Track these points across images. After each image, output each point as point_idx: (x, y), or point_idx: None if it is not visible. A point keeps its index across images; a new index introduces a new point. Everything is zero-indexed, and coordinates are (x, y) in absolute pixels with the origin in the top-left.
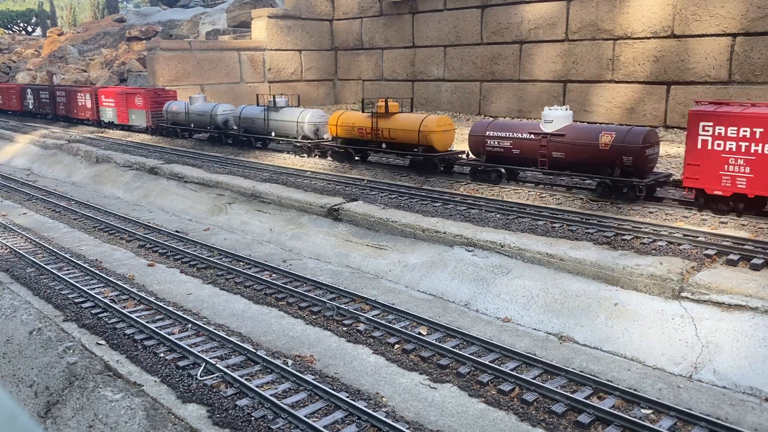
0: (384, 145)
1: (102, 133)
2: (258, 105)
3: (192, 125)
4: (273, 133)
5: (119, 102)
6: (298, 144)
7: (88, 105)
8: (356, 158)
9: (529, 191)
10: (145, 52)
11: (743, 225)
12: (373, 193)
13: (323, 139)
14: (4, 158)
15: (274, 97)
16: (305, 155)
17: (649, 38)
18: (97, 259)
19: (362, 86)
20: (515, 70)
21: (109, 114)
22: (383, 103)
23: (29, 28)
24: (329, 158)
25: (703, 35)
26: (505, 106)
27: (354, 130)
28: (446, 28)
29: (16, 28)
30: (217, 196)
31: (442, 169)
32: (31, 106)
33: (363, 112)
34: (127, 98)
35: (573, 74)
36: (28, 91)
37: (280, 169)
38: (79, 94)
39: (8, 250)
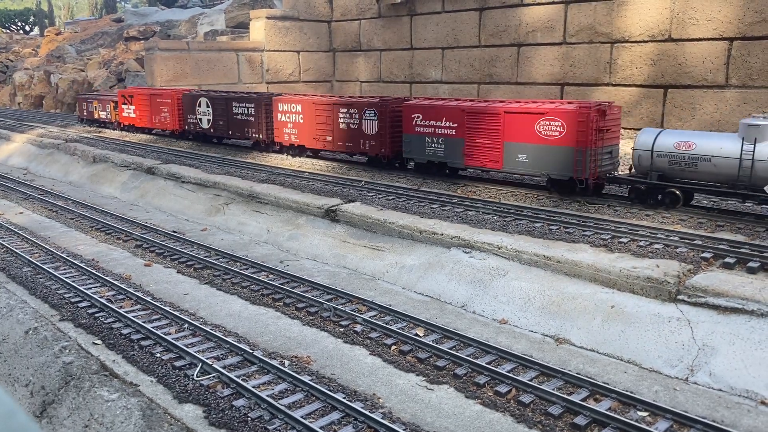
0: None
1: (99, 132)
2: None
3: (697, 183)
4: None
5: (473, 128)
6: None
7: (371, 131)
8: None
9: None
10: (143, 52)
11: (740, 228)
12: (371, 194)
13: None
14: (1, 157)
15: None
16: None
17: (647, 42)
18: (93, 259)
19: (360, 88)
20: (513, 72)
21: (432, 147)
22: None
23: (27, 28)
24: None
25: (700, 39)
26: None
27: None
28: (444, 31)
29: (14, 27)
30: (215, 197)
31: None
32: (206, 125)
33: None
34: (535, 121)
35: (570, 77)
36: (203, 102)
37: (277, 169)
38: (341, 111)
39: (4, 249)
